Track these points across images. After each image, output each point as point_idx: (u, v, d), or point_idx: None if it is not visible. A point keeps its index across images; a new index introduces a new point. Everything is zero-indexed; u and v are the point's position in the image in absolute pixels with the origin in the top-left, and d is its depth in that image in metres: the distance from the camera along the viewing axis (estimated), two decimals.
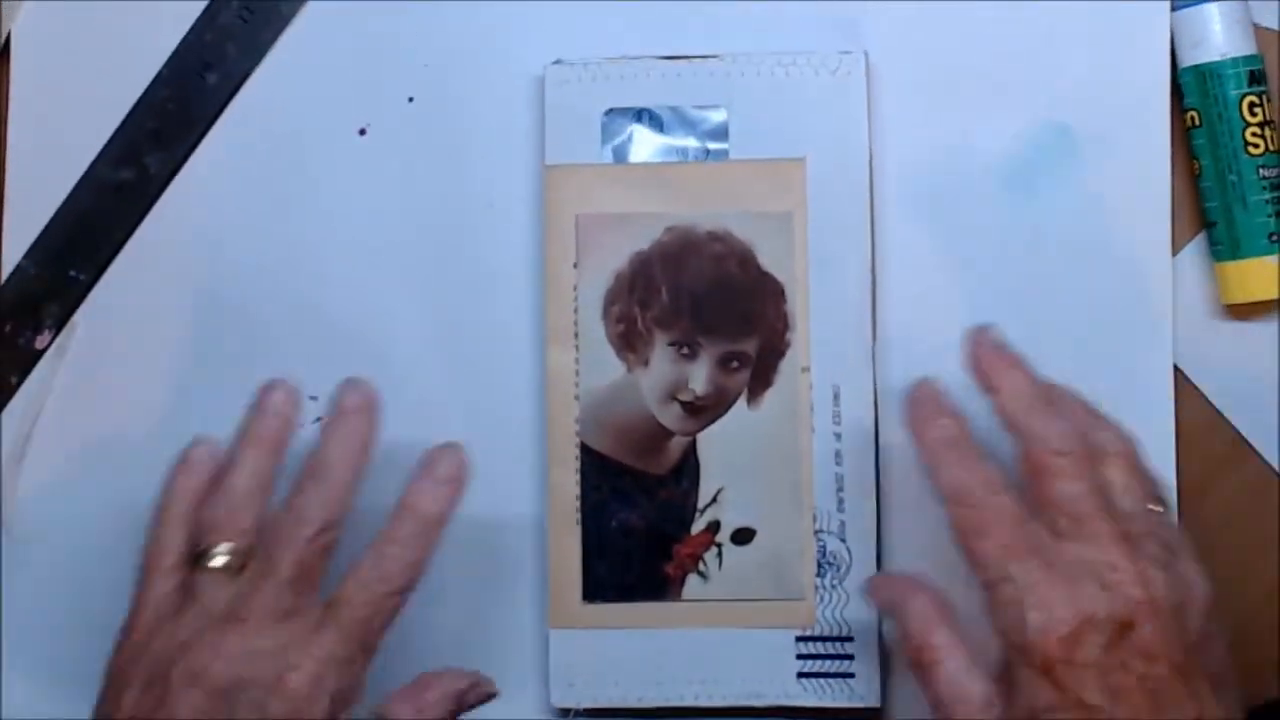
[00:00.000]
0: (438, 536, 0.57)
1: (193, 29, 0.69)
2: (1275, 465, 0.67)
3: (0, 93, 0.70)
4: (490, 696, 0.60)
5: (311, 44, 0.69)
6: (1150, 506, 0.56)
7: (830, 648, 0.65)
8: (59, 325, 0.69)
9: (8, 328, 0.69)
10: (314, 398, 0.68)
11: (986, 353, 0.58)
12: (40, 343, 0.69)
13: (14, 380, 0.69)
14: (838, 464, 0.65)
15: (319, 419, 0.67)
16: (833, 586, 0.65)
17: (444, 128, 0.68)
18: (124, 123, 0.69)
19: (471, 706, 0.60)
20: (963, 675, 0.54)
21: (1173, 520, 0.59)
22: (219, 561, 0.56)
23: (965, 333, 0.59)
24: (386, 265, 0.68)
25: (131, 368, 0.69)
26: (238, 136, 0.69)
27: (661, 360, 0.65)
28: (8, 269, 0.69)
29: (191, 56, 0.69)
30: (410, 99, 0.68)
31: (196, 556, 0.57)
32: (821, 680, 0.65)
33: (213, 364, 0.69)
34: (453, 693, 0.59)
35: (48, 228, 0.69)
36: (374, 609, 0.56)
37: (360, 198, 0.68)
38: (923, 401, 0.57)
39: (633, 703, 0.66)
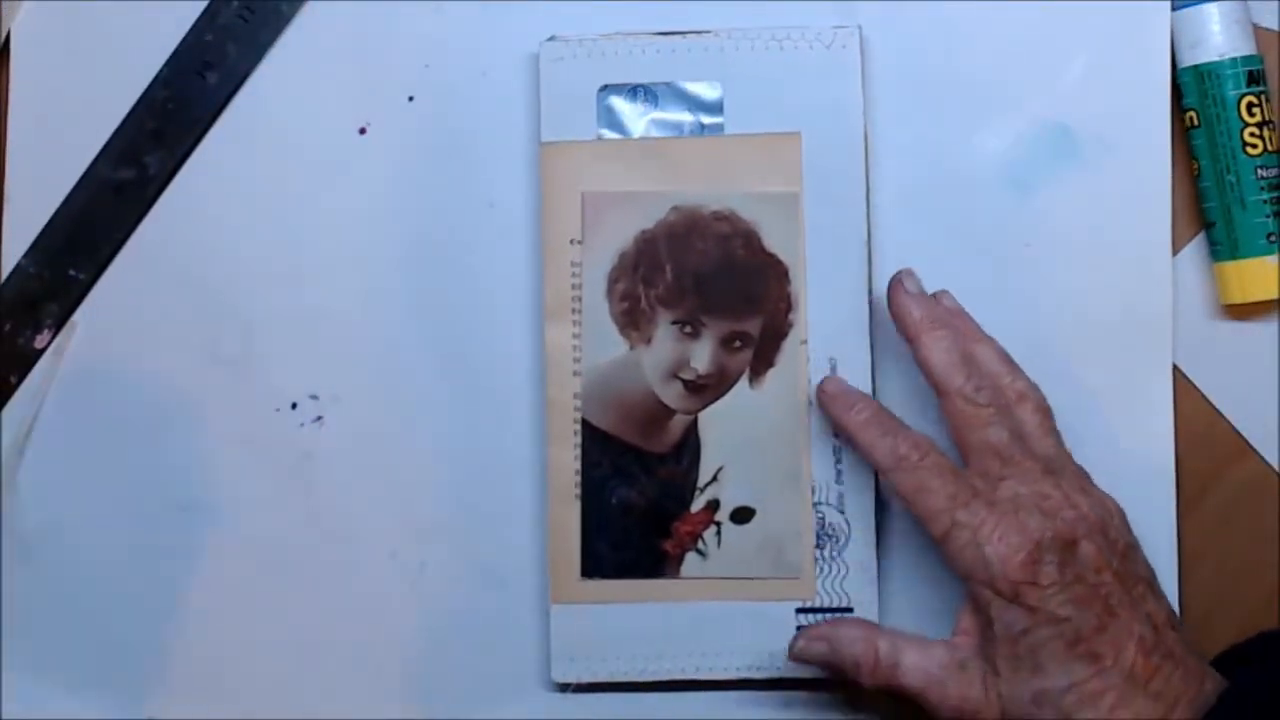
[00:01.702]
0: None
1: (193, 29, 0.69)
2: (1275, 465, 0.67)
3: (0, 93, 0.70)
4: None
5: (311, 44, 0.69)
6: (1060, 445, 0.63)
7: (830, 619, 0.65)
8: (59, 325, 0.69)
9: (7, 327, 0.69)
10: (315, 396, 0.68)
11: (911, 305, 0.63)
12: (40, 342, 0.69)
13: (13, 380, 0.69)
14: (835, 436, 0.65)
15: (319, 418, 0.68)
16: (831, 558, 0.66)
17: (444, 127, 0.68)
18: (124, 123, 0.69)
19: None
20: (923, 660, 0.60)
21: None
22: None
23: (892, 279, 0.64)
24: (387, 265, 0.68)
25: (131, 368, 0.69)
26: (238, 136, 0.69)
27: (664, 339, 0.66)
28: (7, 268, 0.69)
29: (191, 56, 0.69)
30: (410, 98, 0.68)
31: None
32: None
33: (212, 364, 0.69)
34: None
35: (47, 227, 0.69)
36: None
37: (360, 197, 0.68)
38: (836, 395, 0.64)
39: (633, 677, 0.66)
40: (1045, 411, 0.63)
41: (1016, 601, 0.58)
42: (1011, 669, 0.58)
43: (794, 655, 0.63)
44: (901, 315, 0.63)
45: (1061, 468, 0.61)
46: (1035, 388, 0.63)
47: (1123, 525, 0.61)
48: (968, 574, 0.59)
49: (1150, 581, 0.60)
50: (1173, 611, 0.60)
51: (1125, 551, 0.60)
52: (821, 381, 0.64)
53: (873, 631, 0.62)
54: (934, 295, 0.65)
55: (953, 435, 0.62)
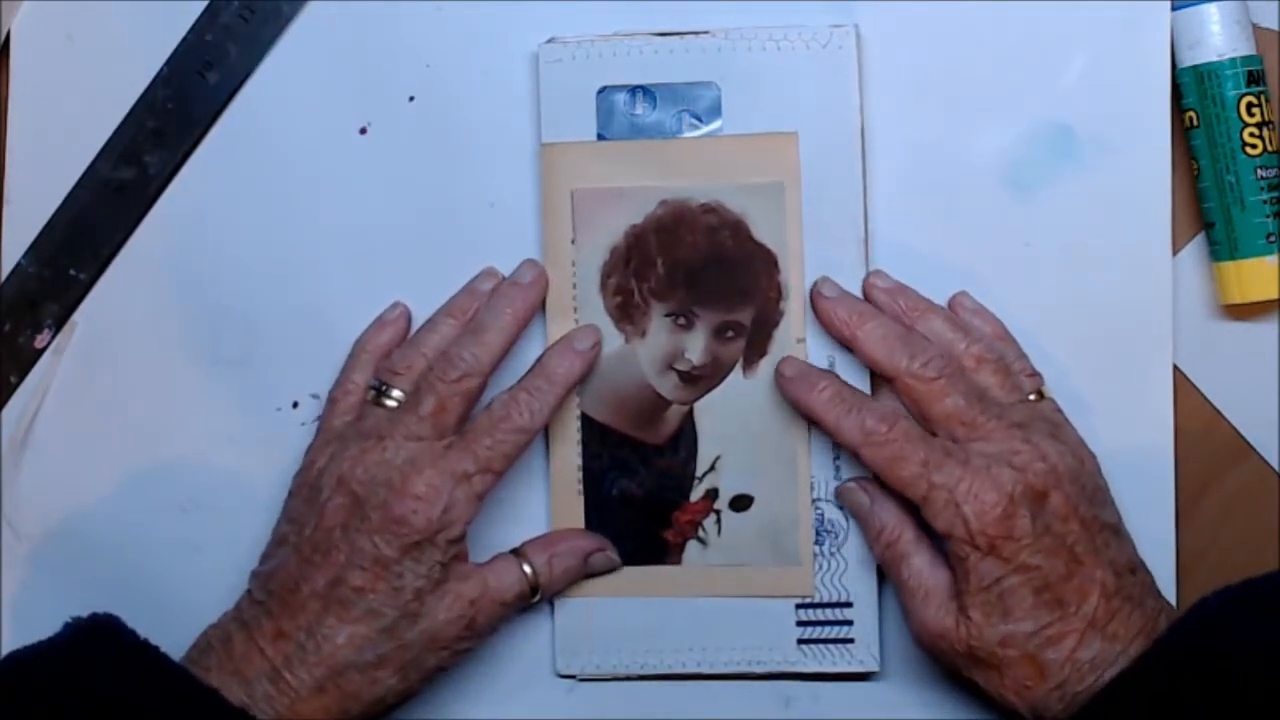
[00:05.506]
0: (563, 394, 0.65)
1: (193, 29, 0.69)
2: (1275, 465, 0.67)
3: (0, 93, 0.70)
4: (615, 566, 0.67)
5: (312, 44, 0.69)
6: (1028, 397, 0.64)
7: (829, 614, 0.66)
8: (58, 325, 0.69)
9: (7, 327, 0.69)
10: (315, 396, 0.68)
11: (835, 308, 0.64)
12: (40, 342, 0.69)
13: (13, 379, 0.69)
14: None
15: (319, 419, 0.67)
16: (831, 554, 0.66)
17: (444, 127, 0.68)
18: (124, 123, 0.69)
19: (598, 570, 0.67)
20: (928, 571, 0.63)
21: (1049, 399, 0.65)
22: (391, 401, 0.64)
23: (811, 290, 0.65)
24: (387, 265, 0.68)
25: (131, 367, 0.69)
26: (238, 136, 0.69)
27: (658, 331, 0.66)
28: (7, 268, 0.69)
29: (191, 56, 0.69)
30: (410, 98, 0.68)
31: (376, 395, 0.64)
32: (821, 646, 0.66)
33: (212, 364, 0.69)
34: (581, 550, 0.66)
35: (47, 227, 0.69)
36: (498, 440, 0.63)
37: (360, 197, 0.68)
38: (796, 377, 0.64)
39: (636, 670, 0.67)
40: (1005, 370, 0.64)
41: (992, 554, 0.60)
42: (983, 614, 0.61)
43: (839, 491, 0.66)
44: (830, 321, 0.64)
45: (1029, 420, 0.62)
46: (991, 348, 0.64)
47: (1095, 470, 0.63)
48: (948, 532, 0.61)
49: (1116, 527, 0.62)
50: (1134, 555, 0.62)
51: (1094, 496, 0.62)
52: (780, 364, 0.65)
53: (908, 519, 0.64)
54: (867, 279, 0.66)
55: (915, 414, 0.63)
